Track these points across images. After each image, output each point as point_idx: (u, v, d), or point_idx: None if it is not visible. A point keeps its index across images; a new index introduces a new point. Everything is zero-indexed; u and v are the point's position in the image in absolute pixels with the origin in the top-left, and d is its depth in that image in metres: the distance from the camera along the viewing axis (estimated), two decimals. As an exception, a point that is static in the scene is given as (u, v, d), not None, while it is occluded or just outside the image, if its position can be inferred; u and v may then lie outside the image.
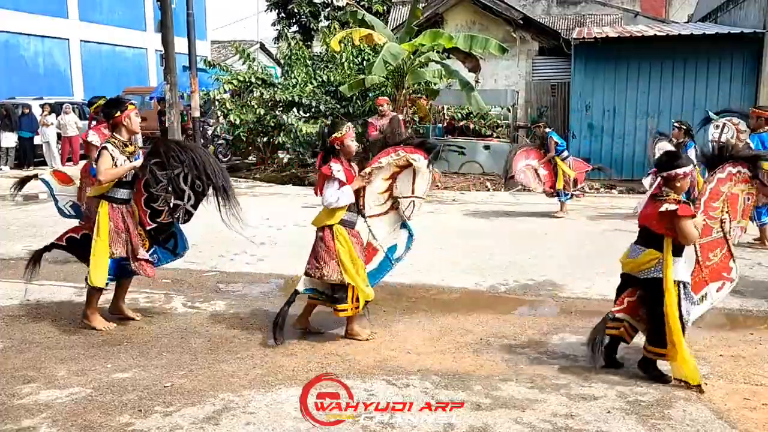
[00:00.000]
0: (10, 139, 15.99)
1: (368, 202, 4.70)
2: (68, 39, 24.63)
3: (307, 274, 4.54)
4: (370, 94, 14.56)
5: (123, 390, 3.74)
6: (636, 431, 3.32)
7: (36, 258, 4.93)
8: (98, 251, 4.57)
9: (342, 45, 13.87)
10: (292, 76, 14.97)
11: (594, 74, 13.66)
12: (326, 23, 28.43)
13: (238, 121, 14.27)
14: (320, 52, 17.01)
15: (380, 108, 10.56)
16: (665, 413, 3.49)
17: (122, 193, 4.66)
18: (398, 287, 5.99)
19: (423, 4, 16.58)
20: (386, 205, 4.76)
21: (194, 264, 6.66)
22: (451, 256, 7.15)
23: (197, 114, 14.26)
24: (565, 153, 9.69)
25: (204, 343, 4.54)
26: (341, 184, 4.41)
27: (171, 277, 6.12)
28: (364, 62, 14.61)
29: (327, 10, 30.70)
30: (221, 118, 15.17)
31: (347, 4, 21.73)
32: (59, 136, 16.46)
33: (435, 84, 14.56)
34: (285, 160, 14.73)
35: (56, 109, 16.70)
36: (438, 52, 13.93)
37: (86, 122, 8.22)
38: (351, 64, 14.73)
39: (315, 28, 30.14)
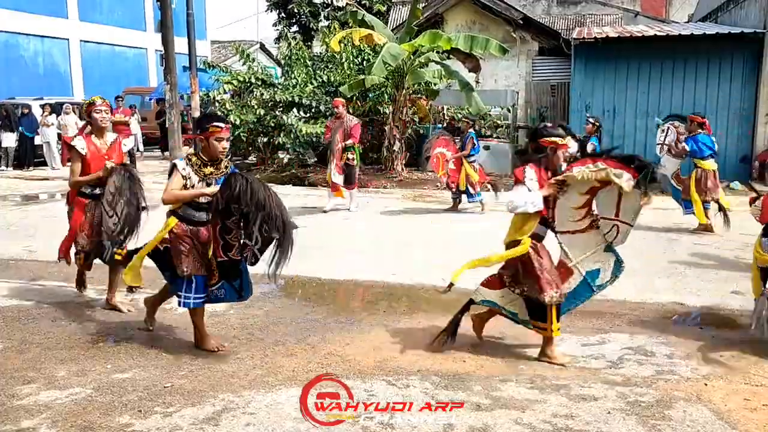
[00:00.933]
0: (10, 139, 16.02)
1: (559, 217, 4.18)
2: (68, 39, 24.65)
3: (497, 285, 4.28)
4: (370, 95, 14.58)
5: (123, 390, 3.74)
6: (636, 432, 3.32)
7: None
8: (140, 254, 4.37)
9: (342, 45, 13.88)
10: (292, 76, 14.98)
11: (594, 74, 13.66)
12: (326, 23, 28.46)
13: (238, 122, 14.27)
14: (320, 53, 17.03)
15: (336, 110, 9.97)
16: (665, 414, 3.49)
17: (193, 215, 4.26)
18: (398, 287, 5.99)
19: (423, 4, 16.58)
20: (583, 222, 4.17)
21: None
22: (452, 256, 7.13)
23: (197, 114, 14.27)
24: (474, 157, 9.99)
25: (204, 343, 4.53)
26: (529, 189, 3.99)
27: (171, 277, 6.12)
28: (364, 62, 14.63)
29: (327, 10, 30.73)
30: (221, 118, 15.16)
31: (347, 4, 21.75)
32: (59, 136, 16.46)
33: (435, 84, 14.58)
34: (285, 160, 14.73)
35: (56, 109, 16.70)
36: (438, 52, 13.94)
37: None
38: (351, 65, 14.75)
39: (315, 28, 30.16)
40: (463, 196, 10.09)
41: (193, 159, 4.26)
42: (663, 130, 8.97)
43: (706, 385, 3.85)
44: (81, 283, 5.63)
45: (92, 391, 3.73)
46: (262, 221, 3.88)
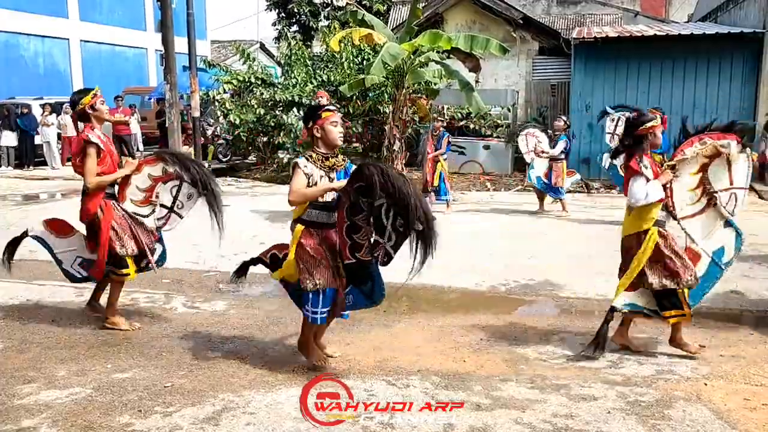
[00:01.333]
0: (10, 139, 16.02)
1: (678, 202, 4.26)
2: (68, 39, 24.63)
3: (633, 286, 4.21)
4: (370, 94, 14.57)
5: (123, 390, 3.74)
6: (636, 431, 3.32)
7: (244, 269, 4.49)
8: (288, 265, 4.06)
9: (342, 45, 13.86)
10: (292, 75, 14.98)
11: (594, 74, 13.67)
12: (326, 23, 28.46)
13: (238, 121, 14.27)
14: (320, 52, 17.03)
15: (319, 101, 9.31)
16: (665, 413, 3.49)
17: (317, 216, 3.93)
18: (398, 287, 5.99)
19: (423, 4, 16.57)
20: (701, 202, 4.28)
21: (194, 264, 6.67)
22: (451, 256, 7.14)
23: (197, 114, 14.28)
24: (445, 156, 10.18)
25: (204, 343, 4.54)
26: (647, 179, 4.04)
27: (171, 277, 6.12)
28: (364, 62, 14.62)
29: (327, 9, 30.74)
30: (221, 118, 15.19)
31: (347, 3, 21.74)
32: (59, 136, 16.47)
33: (435, 84, 14.56)
34: (285, 160, 14.72)
35: (56, 109, 16.71)
36: (438, 52, 13.93)
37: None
38: (351, 64, 14.74)
39: (315, 27, 30.17)
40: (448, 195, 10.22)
41: (313, 156, 3.97)
42: (613, 120, 8.93)
43: (706, 384, 3.85)
44: (112, 307, 4.86)
45: (92, 391, 3.73)
46: (398, 214, 3.54)
